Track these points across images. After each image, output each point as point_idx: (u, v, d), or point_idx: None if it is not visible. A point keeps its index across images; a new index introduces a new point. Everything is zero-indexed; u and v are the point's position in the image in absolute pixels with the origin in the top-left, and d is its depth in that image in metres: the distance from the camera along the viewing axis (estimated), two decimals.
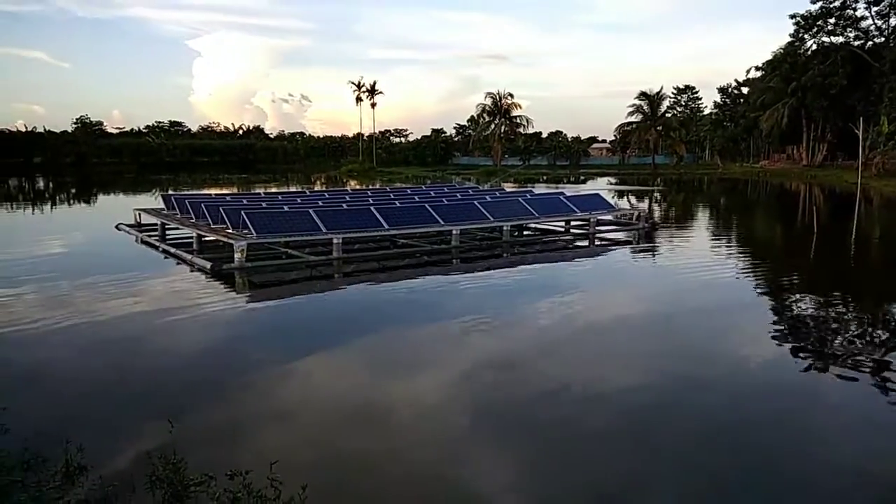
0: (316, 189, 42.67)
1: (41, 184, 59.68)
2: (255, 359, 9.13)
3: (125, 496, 5.19)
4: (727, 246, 21.11)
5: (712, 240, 22.43)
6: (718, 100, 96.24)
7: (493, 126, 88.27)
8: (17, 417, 6.74)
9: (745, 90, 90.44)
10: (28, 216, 32.18)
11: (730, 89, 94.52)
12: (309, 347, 9.69)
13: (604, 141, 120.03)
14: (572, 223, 23.50)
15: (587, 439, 6.70)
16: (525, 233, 22.63)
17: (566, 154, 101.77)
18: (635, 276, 15.82)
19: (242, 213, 17.83)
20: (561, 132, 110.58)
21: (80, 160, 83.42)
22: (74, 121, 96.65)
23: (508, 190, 31.64)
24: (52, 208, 36.62)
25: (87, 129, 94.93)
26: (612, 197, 34.96)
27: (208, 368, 8.76)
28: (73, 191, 50.90)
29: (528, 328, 10.83)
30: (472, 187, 33.71)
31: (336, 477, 5.94)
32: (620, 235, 22.32)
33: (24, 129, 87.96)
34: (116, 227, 23.59)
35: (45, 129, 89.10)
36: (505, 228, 20.69)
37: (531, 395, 7.78)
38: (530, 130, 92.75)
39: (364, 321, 11.32)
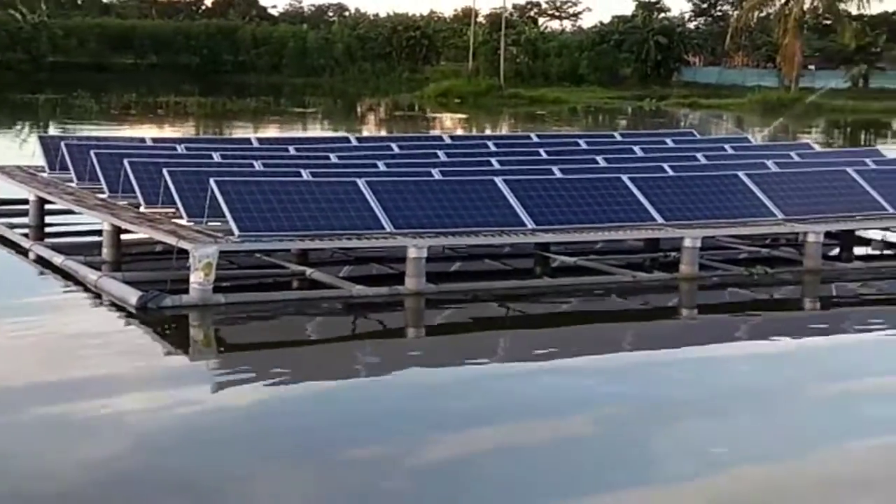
0: (370, 134, 27.75)
1: None
2: None
3: None
4: None
5: None
6: None
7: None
8: None
9: None
10: None
11: None
12: None
13: None
14: None
15: None
16: (865, 250, 12.18)
17: None
18: None
19: (211, 182, 9.33)
20: None
21: None
22: None
23: (819, 149, 17.08)
24: None
25: None
26: None
27: None
28: None
29: None
30: (736, 139, 18.70)
31: None
32: None
33: None
34: None
35: None
36: (810, 239, 10.56)
37: None
38: (865, 9, 46.33)
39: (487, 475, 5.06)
